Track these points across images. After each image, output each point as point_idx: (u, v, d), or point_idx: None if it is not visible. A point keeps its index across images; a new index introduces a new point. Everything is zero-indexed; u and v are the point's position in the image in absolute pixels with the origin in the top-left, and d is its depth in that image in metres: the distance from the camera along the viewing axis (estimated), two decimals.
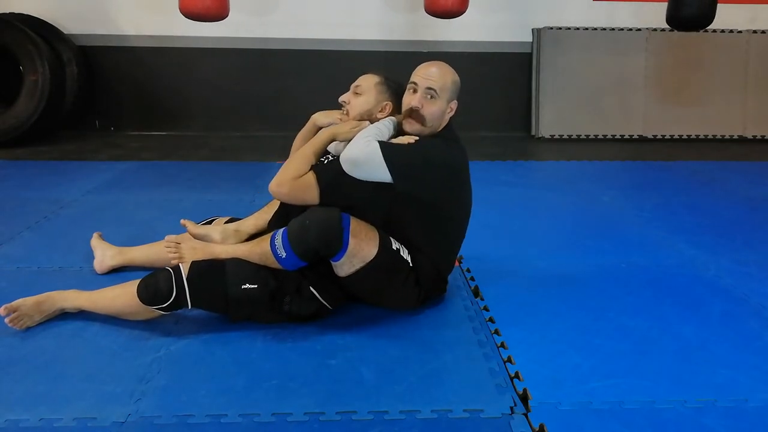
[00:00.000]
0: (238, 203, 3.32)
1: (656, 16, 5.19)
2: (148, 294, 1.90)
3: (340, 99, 2.16)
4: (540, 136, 5.36)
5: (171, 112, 5.39)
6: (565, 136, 5.39)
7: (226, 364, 1.80)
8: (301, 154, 2.01)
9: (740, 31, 5.48)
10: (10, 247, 2.67)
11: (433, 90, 1.99)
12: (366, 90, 2.14)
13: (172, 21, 5.04)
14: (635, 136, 5.45)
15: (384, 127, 2.02)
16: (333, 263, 1.93)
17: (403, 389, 1.68)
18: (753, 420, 1.58)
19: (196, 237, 2.13)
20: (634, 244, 2.81)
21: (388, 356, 1.84)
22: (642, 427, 1.54)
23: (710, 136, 5.50)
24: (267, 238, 1.94)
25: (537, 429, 1.53)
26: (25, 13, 4.97)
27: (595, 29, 5.43)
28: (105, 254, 2.40)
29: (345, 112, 2.14)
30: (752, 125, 5.53)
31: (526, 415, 1.58)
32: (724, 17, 5.42)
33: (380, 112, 2.13)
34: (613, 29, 5.42)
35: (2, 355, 1.82)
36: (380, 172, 1.90)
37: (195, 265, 1.92)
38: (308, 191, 1.96)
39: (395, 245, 1.98)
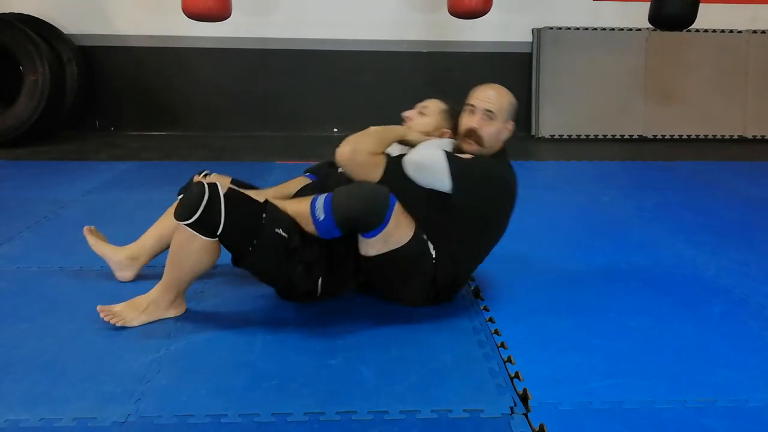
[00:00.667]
0: None
1: None
2: (180, 205, 1.88)
3: (405, 114, 2.23)
4: (540, 136, 5.36)
5: (171, 112, 5.40)
6: (565, 136, 5.39)
7: (226, 364, 1.79)
8: (379, 136, 2.04)
9: (740, 31, 5.48)
10: (10, 247, 2.67)
11: (491, 112, 2.06)
12: (431, 113, 2.22)
13: (172, 21, 5.04)
14: (635, 136, 5.45)
15: (446, 144, 2.09)
16: (364, 240, 1.93)
17: (403, 389, 1.68)
18: (753, 420, 1.58)
19: None
20: (634, 244, 2.81)
21: (388, 356, 1.84)
22: (642, 427, 1.54)
23: (710, 136, 5.50)
24: (304, 198, 1.96)
25: (537, 429, 1.52)
26: (25, 13, 4.97)
27: (595, 29, 5.43)
28: (121, 266, 2.31)
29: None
30: (752, 125, 5.53)
31: (526, 415, 1.58)
32: (724, 17, 5.43)
33: (438, 137, 2.18)
34: (613, 29, 5.42)
35: (2, 355, 1.81)
36: (441, 180, 1.95)
37: (233, 189, 1.91)
38: (376, 171, 1.99)
39: (424, 236, 2.01)
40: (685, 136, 5.49)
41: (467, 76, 5.51)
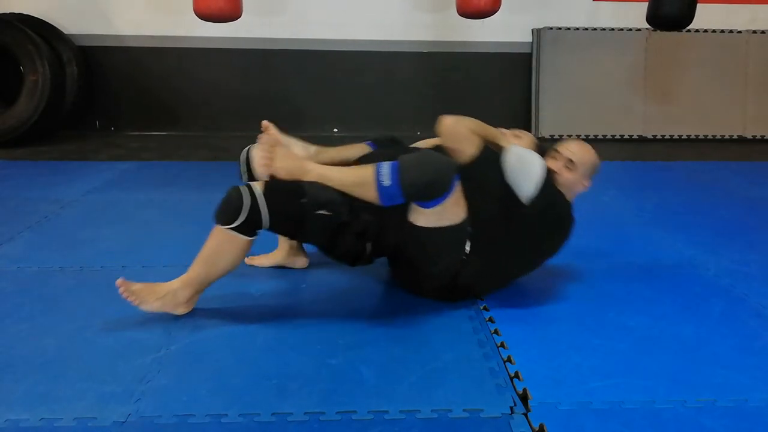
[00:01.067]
0: None
1: None
2: (221, 212, 1.91)
3: (501, 130, 2.31)
4: (540, 136, 5.36)
5: (171, 112, 5.40)
6: (565, 136, 5.38)
7: (226, 363, 1.79)
8: (480, 123, 2.14)
9: (740, 31, 5.49)
10: (10, 247, 2.67)
11: (573, 162, 2.17)
12: (525, 139, 2.33)
13: (172, 21, 5.04)
14: (635, 136, 5.45)
15: None
16: (419, 209, 1.95)
17: (403, 389, 1.68)
18: (753, 420, 1.58)
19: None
20: (634, 244, 2.81)
21: (388, 356, 1.84)
22: (642, 427, 1.54)
23: (710, 136, 5.50)
24: (368, 165, 1.96)
25: (537, 429, 1.53)
26: (25, 13, 4.97)
27: (595, 29, 5.43)
28: (292, 260, 2.45)
29: None
30: (752, 125, 5.53)
31: (526, 415, 1.58)
32: (724, 17, 5.43)
33: None
34: (613, 29, 5.42)
35: (2, 355, 1.82)
36: (528, 184, 2.01)
37: (269, 183, 1.94)
38: (471, 146, 2.07)
39: (469, 228, 2.03)
40: (685, 136, 5.49)
41: (467, 76, 5.56)
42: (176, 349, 1.86)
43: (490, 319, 2.06)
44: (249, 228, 1.91)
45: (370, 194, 1.92)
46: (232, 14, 4.24)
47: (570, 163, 2.16)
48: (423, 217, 1.98)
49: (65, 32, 5.07)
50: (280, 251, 2.46)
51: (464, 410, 1.59)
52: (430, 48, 5.41)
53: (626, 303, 2.21)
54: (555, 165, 2.17)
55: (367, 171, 1.94)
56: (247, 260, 2.52)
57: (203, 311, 2.09)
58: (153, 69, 5.32)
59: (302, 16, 5.29)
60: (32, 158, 4.34)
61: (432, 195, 1.92)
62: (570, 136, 5.37)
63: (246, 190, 1.90)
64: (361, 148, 2.32)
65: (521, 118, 5.52)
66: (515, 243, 2.09)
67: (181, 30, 5.12)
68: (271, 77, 5.39)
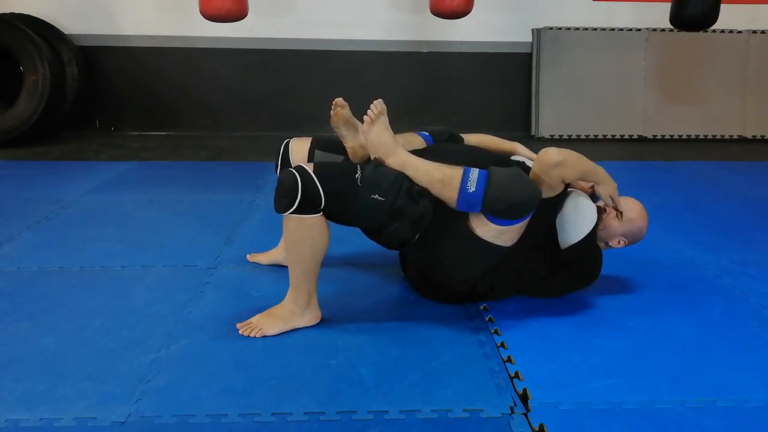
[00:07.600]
0: (238, 203, 3.32)
1: (656, 16, 5.19)
2: (279, 198, 1.87)
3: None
4: (540, 136, 5.36)
5: (171, 112, 5.40)
6: (565, 136, 5.39)
7: (226, 364, 1.80)
8: (588, 161, 2.08)
9: (740, 31, 5.48)
10: (10, 247, 2.67)
11: (622, 214, 2.18)
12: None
13: (172, 21, 5.04)
14: (635, 136, 5.45)
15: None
16: (484, 219, 1.91)
17: (403, 389, 1.68)
18: (753, 420, 1.58)
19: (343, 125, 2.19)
20: (634, 244, 2.80)
21: (388, 356, 1.84)
22: (642, 427, 1.54)
23: (710, 136, 5.49)
24: (456, 167, 1.92)
25: (537, 429, 1.53)
26: (25, 13, 4.97)
27: (595, 29, 5.42)
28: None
29: None
30: (752, 125, 5.53)
31: (526, 415, 1.58)
32: (724, 17, 5.40)
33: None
34: (613, 29, 5.42)
35: (2, 355, 1.82)
36: (571, 233, 2.06)
37: (318, 164, 1.92)
38: (557, 189, 2.02)
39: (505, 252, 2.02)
40: (685, 136, 5.49)
41: (467, 76, 5.56)
42: (176, 349, 1.86)
43: (490, 320, 2.06)
44: (310, 206, 1.86)
45: (449, 194, 1.89)
46: (239, 14, 4.26)
47: (620, 213, 2.16)
48: (484, 228, 1.93)
49: (65, 32, 5.07)
50: (278, 249, 2.46)
51: (464, 410, 1.59)
52: (430, 48, 5.41)
53: (626, 303, 2.21)
54: (607, 204, 2.17)
55: (454, 172, 1.90)
56: (249, 257, 2.53)
57: (203, 311, 2.09)
58: (153, 69, 5.31)
59: (302, 16, 5.29)
60: (32, 158, 4.33)
61: (510, 216, 1.88)
62: (570, 136, 5.38)
63: (296, 169, 1.86)
64: (415, 140, 2.26)
65: (521, 118, 5.52)
66: (536, 277, 2.13)
67: (181, 30, 5.12)
68: (270, 77, 5.39)
